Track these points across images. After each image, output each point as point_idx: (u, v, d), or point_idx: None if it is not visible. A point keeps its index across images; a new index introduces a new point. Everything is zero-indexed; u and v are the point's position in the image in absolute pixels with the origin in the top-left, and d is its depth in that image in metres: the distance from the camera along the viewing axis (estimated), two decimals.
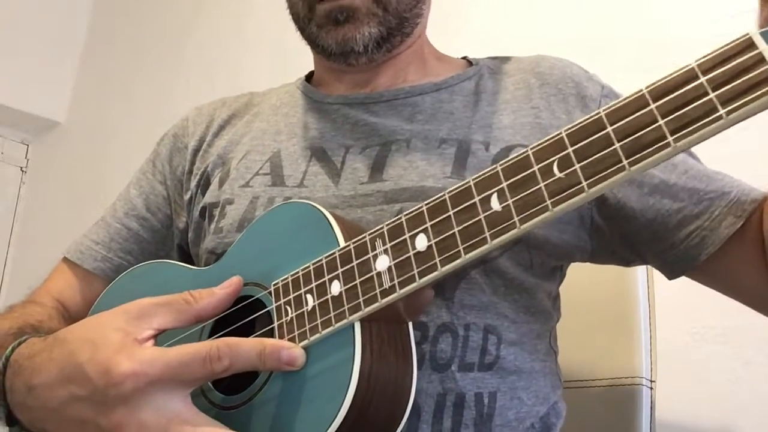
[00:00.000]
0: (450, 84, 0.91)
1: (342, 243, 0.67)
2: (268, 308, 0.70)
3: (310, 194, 0.83)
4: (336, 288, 0.65)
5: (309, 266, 0.68)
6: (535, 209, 0.55)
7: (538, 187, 0.55)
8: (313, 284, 0.67)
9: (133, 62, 2.75)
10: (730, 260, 0.79)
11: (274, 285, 0.70)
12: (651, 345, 1.07)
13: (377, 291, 0.62)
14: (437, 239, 0.60)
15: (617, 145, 0.51)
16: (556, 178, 0.54)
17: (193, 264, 0.90)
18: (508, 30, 1.72)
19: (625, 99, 0.52)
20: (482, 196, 0.58)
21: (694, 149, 0.85)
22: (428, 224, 0.61)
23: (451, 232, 0.59)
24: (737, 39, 0.48)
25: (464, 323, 0.76)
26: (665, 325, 1.09)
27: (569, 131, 0.55)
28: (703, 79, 0.48)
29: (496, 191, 0.58)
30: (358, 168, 0.84)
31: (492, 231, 0.57)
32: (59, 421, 0.65)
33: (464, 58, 1.00)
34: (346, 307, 0.64)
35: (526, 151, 0.57)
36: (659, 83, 0.51)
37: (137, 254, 0.98)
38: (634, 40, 1.49)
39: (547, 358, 0.83)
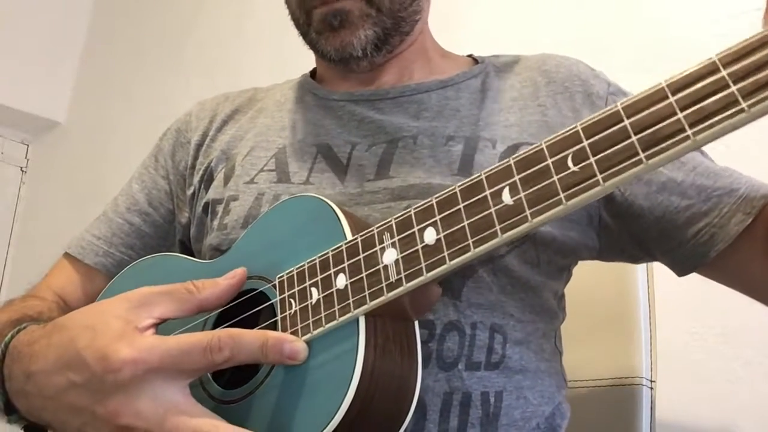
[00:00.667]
0: (456, 81, 0.91)
1: (349, 236, 0.66)
2: (271, 301, 0.69)
3: (317, 191, 0.82)
4: (341, 281, 0.64)
5: (315, 259, 0.67)
6: (547, 203, 0.54)
7: (551, 180, 0.54)
8: (319, 277, 0.66)
9: (133, 62, 2.75)
10: (740, 256, 0.78)
11: (279, 278, 0.69)
12: (651, 345, 1.07)
13: (383, 284, 0.61)
14: (446, 232, 0.59)
15: (634, 138, 0.50)
16: (570, 171, 0.53)
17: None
18: (508, 30, 1.72)
19: (643, 92, 0.51)
20: (493, 189, 0.58)
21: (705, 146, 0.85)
22: (437, 217, 0.60)
23: (461, 225, 0.59)
24: (760, 33, 0.47)
25: (471, 322, 0.75)
26: (665, 325, 1.09)
27: (584, 124, 0.54)
28: (724, 72, 0.47)
29: (507, 185, 0.57)
30: (364, 165, 0.84)
31: (503, 225, 0.56)
32: (56, 409, 0.64)
33: (470, 56, 0.99)
34: (351, 301, 0.63)
35: (540, 144, 0.56)
36: (679, 76, 0.50)
37: (139, 249, 0.97)
38: (634, 40, 1.49)
39: (553, 357, 0.83)
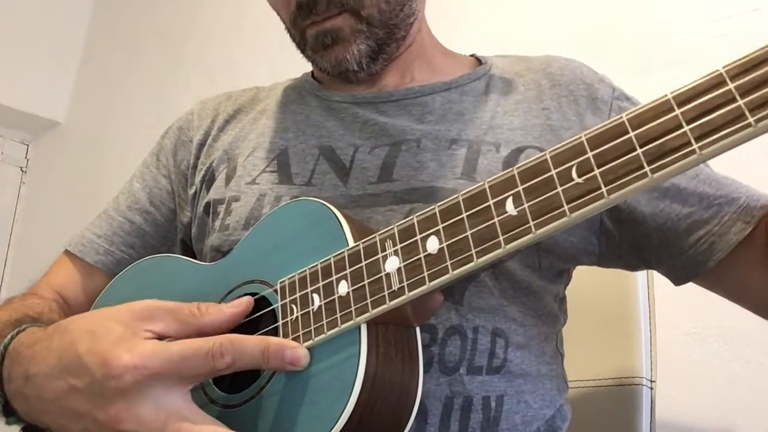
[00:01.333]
0: (460, 83, 0.90)
1: (351, 243, 0.66)
2: (273, 306, 0.69)
3: (318, 193, 0.82)
4: (343, 288, 0.64)
5: (316, 265, 0.67)
6: (551, 214, 0.54)
7: (555, 191, 0.54)
8: (320, 284, 0.66)
9: (133, 62, 2.75)
10: (738, 266, 0.79)
11: (281, 283, 0.69)
12: (651, 345, 1.07)
13: (386, 293, 0.61)
14: (449, 242, 0.59)
15: (639, 150, 0.50)
16: (574, 183, 0.53)
17: (196, 259, 0.88)
18: (508, 30, 1.72)
19: (648, 104, 0.51)
20: (497, 199, 0.57)
21: None
22: (440, 226, 0.60)
23: (464, 235, 0.58)
24: (766, 45, 0.47)
25: (473, 326, 0.75)
26: (665, 325, 1.09)
27: (589, 135, 0.53)
28: (731, 85, 0.47)
29: (511, 195, 0.56)
30: (367, 167, 0.83)
31: (506, 235, 0.56)
32: (56, 413, 0.64)
33: (472, 55, 0.99)
34: (353, 308, 0.62)
35: (544, 154, 0.56)
36: (685, 88, 0.49)
37: (140, 248, 0.97)
38: (634, 40, 1.49)
39: (554, 361, 0.83)
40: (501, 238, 0.56)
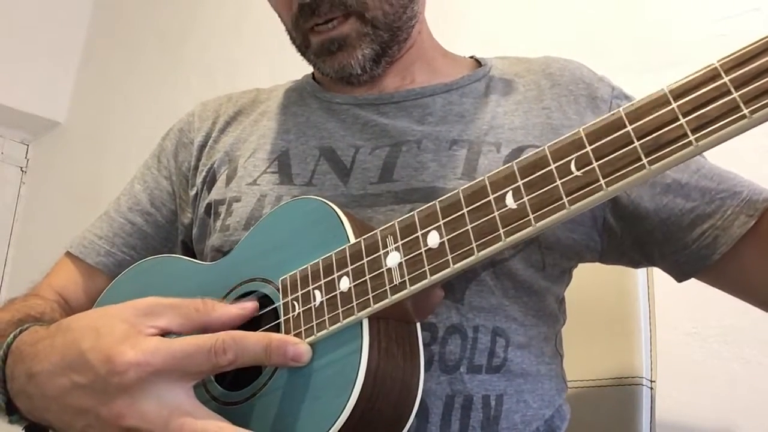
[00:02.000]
0: (460, 85, 0.91)
1: (352, 239, 0.67)
2: (275, 304, 0.70)
3: (319, 193, 0.82)
4: (345, 284, 0.64)
5: (318, 262, 0.67)
6: (551, 207, 0.54)
7: (554, 185, 0.54)
8: (322, 280, 0.66)
9: (133, 62, 2.75)
10: (741, 260, 0.79)
11: (282, 280, 0.70)
12: (651, 345, 1.07)
13: (387, 287, 0.62)
14: (450, 236, 0.60)
15: (637, 143, 0.51)
16: (573, 176, 0.54)
17: (197, 260, 0.89)
18: (508, 30, 1.72)
19: (645, 98, 0.52)
20: (497, 194, 0.58)
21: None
22: (441, 221, 0.61)
23: (465, 229, 0.59)
24: (761, 39, 0.47)
25: (473, 325, 0.75)
26: (665, 325, 1.09)
27: (588, 130, 0.54)
28: (726, 78, 0.47)
29: (511, 189, 0.57)
30: (368, 168, 0.84)
31: (506, 228, 0.56)
32: (59, 410, 0.64)
33: (472, 57, 0.99)
34: (354, 303, 0.63)
35: (543, 149, 0.57)
36: (680, 82, 0.50)
37: (141, 249, 0.97)
38: (634, 41, 1.49)
39: (553, 361, 0.83)
40: (501, 231, 0.57)
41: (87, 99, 2.91)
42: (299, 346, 0.63)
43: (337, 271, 0.66)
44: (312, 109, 0.94)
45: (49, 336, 0.67)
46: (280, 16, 0.93)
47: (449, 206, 0.61)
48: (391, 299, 0.61)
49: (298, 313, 0.66)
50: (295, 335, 0.66)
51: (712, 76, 0.48)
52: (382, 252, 0.63)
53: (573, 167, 0.54)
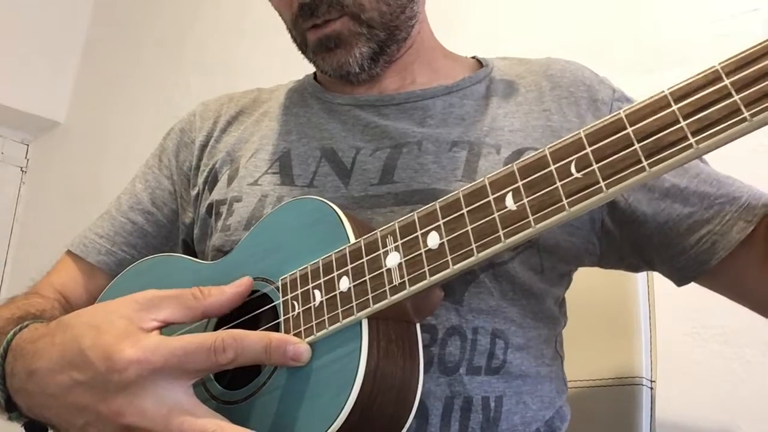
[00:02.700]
0: (461, 87, 0.91)
1: (352, 240, 0.67)
2: (275, 303, 0.70)
3: (320, 194, 0.82)
4: (345, 284, 0.64)
5: (318, 262, 0.67)
6: (551, 209, 0.54)
7: (554, 186, 0.54)
8: (322, 280, 0.66)
9: (133, 62, 2.75)
10: (740, 265, 0.79)
11: (282, 280, 0.70)
12: (651, 345, 1.07)
13: (386, 288, 0.62)
14: (449, 237, 0.60)
15: (637, 145, 0.51)
16: (573, 177, 0.54)
17: (198, 259, 0.89)
18: (508, 30, 1.72)
19: (645, 100, 0.52)
20: (497, 194, 0.58)
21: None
22: (441, 222, 0.61)
23: (464, 230, 0.59)
24: (762, 42, 0.47)
25: (473, 327, 0.76)
26: (665, 325, 1.09)
27: (588, 131, 0.54)
28: (727, 81, 0.47)
29: (511, 190, 0.57)
30: (368, 169, 0.84)
31: (506, 230, 0.56)
32: (58, 408, 0.64)
33: (473, 57, 0.99)
34: (354, 303, 0.63)
35: (543, 150, 0.57)
36: (681, 84, 0.50)
37: (141, 248, 0.97)
38: (634, 41, 1.50)
39: (553, 363, 0.83)
40: (501, 232, 0.57)
41: (87, 99, 2.91)
42: (299, 346, 0.63)
43: (337, 271, 0.66)
44: (313, 110, 0.95)
45: (49, 333, 0.67)
46: (281, 15, 0.93)
47: (449, 206, 0.61)
48: (391, 299, 0.61)
49: (298, 313, 0.66)
50: (294, 335, 0.66)
51: (713, 78, 0.48)
52: (381, 252, 0.63)
53: (573, 169, 0.54)
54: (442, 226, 0.61)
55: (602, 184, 0.52)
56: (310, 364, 0.64)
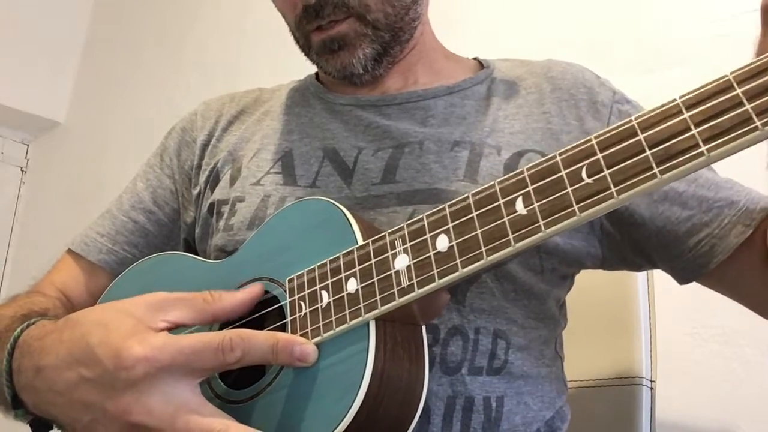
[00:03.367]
0: (462, 87, 0.91)
1: (360, 241, 0.67)
2: (281, 303, 0.70)
3: (322, 194, 0.82)
4: (352, 285, 0.64)
5: (326, 263, 0.68)
6: (561, 213, 0.55)
7: (565, 191, 0.55)
8: (329, 281, 0.66)
9: (133, 62, 2.74)
10: (739, 267, 0.80)
11: (289, 281, 0.70)
12: (651, 345, 1.07)
13: (395, 290, 0.62)
14: (459, 240, 0.60)
15: (649, 152, 0.51)
16: (584, 183, 0.54)
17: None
18: (508, 30, 1.72)
19: (657, 107, 0.52)
20: (507, 199, 0.58)
21: None
22: (450, 225, 0.61)
23: (474, 233, 0.59)
24: None
25: (474, 327, 0.76)
26: (665, 325, 1.10)
27: (599, 138, 0.54)
28: (738, 90, 0.48)
29: (521, 195, 0.57)
30: (370, 169, 0.84)
31: (516, 234, 0.57)
32: (65, 405, 0.64)
33: (475, 58, 0.99)
34: (361, 305, 0.63)
35: (554, 156, 0.57)
36: (693, 93, 0.50)
37: (143, 247, 0.97)
38: (634, 41, 1.50)
39: (553, 363, 0.84)
40: (511, 236, 0.57)
41: (87, 99, 2.91)
42: (306, 346, 0.63)
43: (345, 272, 0.66)
44: (315, 110, 0.95)
45: (57, 330, 0.67)
46: (284, 17, 0.93)
47: (459, 210, 0.61)
48: (399, 302, 0.61)
49: (305, 314, 0.67)
50: (301, 335, 0.66)
51: (725, 87, 0.49)
52: (390, 254, 0.64)
53: (584, 174, 0.54)
54: (451, 229, 0.61)
55: (613, 190, 0.52)
56: (317, 365, 0.64)
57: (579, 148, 0.55)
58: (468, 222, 0.60)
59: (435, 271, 0.60)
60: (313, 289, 0.67)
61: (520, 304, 0.79)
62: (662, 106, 0.52)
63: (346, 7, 0.84)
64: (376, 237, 0.66)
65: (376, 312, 0.62)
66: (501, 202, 0.58)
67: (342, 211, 0.70)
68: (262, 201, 0.85)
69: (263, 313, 0.72)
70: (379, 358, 0.62)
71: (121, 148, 2.59)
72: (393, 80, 0.93)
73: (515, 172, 0.59)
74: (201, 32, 2.54)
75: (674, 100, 0.51)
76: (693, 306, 1.20)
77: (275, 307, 0.71)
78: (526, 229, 0.56)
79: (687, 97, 0.50)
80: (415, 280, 0.61)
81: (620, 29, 1.53)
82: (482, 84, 0.92)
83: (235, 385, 0.70)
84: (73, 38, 3.00)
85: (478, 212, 0.60)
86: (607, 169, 0.53)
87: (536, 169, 0.57)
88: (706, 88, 0.50)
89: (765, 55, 0.48)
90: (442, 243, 0.61)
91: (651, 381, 1.05)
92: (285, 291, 0.70)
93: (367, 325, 0.63)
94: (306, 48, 0.91)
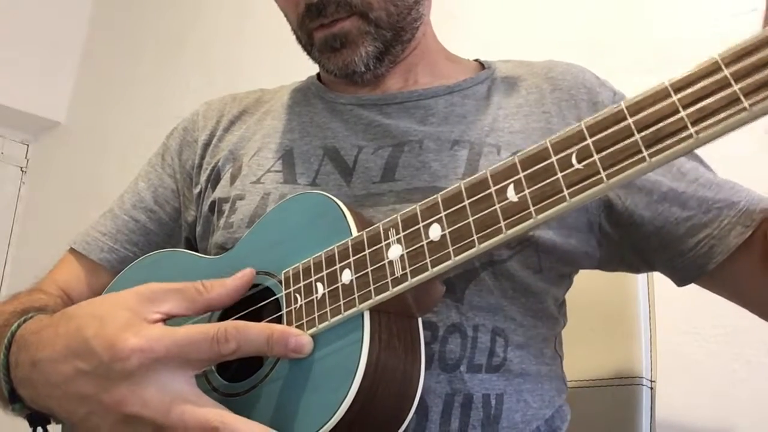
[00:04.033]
0: (463, 87, 0.91)
1: (355, 233, 0.67)
2: (277, 295, 0.70)
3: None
4: (347, 276, 0.65)
5: (320, 255, 0.68)
6: (551, 199, 0.55)
7: (555, 177, 0.55)
8: (324, 272, 0.67)
9: (133, 62, 2.75)
10: (738, 269, 0.79)
11: (285, 273, 0.70)
12: (651, 345, 1.07)
13: (389, 279, 0.62)
14: (451, 228, 0.60)
15: (637, 135, 0.51)
16: (574, 169, 0.54)
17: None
18: (508, 30, 1.73)
19: (646, 91, 0.52)
20: (498, 186, 0.58)
21: (704, 157, 0.86)
22: (442, 214, 0.61)
23: (466, 221, 0.59)
24: (761, 33, 0.48)
25: (473, 324, 0.76)
26: (665, 325, 1.10)
27: (589, 123, 0.54)
28: (726, 72, 0.48)
29: (512, 182, 0.57)
30: (370, 168, 0.84)
31: (507, 221, 0.57)
32: (62, 397, 0.64)
33: (476, 60, 1.00)
34: (356, 295, 0.63)
35: (545, 142, 0.57)
36: (681, 75, 0.50)
37: (144, 246, 0.98)
38: (634, 41, 1.50)
39: (553, 362, 0.84)
40: (502, 223, 0.57)
41: (87, 99, 2.92)
42: (301, 338, 0.64)
43: (339, 264, 0.66)
44: (316, 109, 0.95)
45: (53, 324, 0.68)
46: (286, 16, 0.94)
47: (450, 198, 0.61)
48: (393, 291, 0.62)
49: (300, 305, 0.67)
50: (296, 327, 0.66)
51: (713, 69, 0.49)
52: (383, 244, 0.64)
53: (574, 160, 0.54)
54: (443, 218, 0.61)
55: (603, 174, 0.52)
56: (312, 356, 0.64)
57: (569, 134, 0.55)
58: (460, 210, 0.60)
59: (428, 260, 0.60)
60: (308, 280, 0.68)
61: (518, 302, 0.79)
62: (651, 89, 0.52)
63: (349, 6, 0.85)
64: (370, 228, 0.66)
65: (370, 302, 0.62)
66: (492, 189, 0.59)
67: (336, 203, 0.71)
68: (262, 199, 0.86)
69: (260, 306, 0.72)
70: (374, 348, 0.62)
71: (121, 148, 2.59)
72: (394, 80, 0.93)
73: (506, 160, 0.59)
74: (201, 33, 2.55)
75: (663, 83, 0.51)
76: (693, 306, 1.19)
77: (271, 299, 0.71)
78: (517, 216, 0.56)
79: (675, 80, 0.50)
80: (408, 270, 0.61)
81: (620, 29, 1.53)
82: (483, 84, 0.92)
83: (232, 379, 0.70)
84: (73, 38, 3.01)
85: (470, 200, 0.60)
86: (597, 153, 0.53)
87: (527, 155, 0.57)
88: (695, 70, 0.50)
89: (752, 36, 0.48)
90: (435, 232, 0.61)
91: (651, 381, 1.05)
92: (280, 283, 0.70)
93: (362, 315, 0.63)
94: (308, 46, 0.92)
